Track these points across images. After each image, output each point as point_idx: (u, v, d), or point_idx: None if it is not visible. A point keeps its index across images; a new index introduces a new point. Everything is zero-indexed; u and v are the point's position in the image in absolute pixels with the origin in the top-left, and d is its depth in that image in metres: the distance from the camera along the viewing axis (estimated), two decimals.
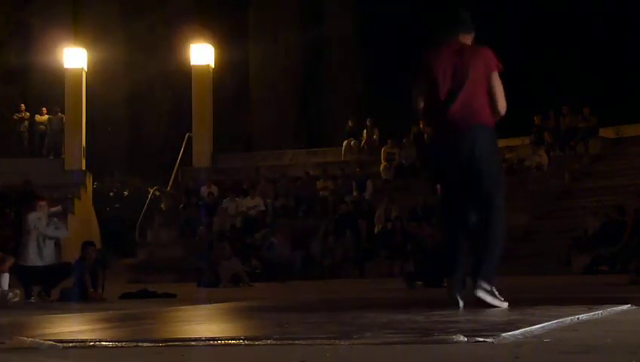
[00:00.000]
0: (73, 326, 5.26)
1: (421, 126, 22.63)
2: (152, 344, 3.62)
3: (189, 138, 25.59)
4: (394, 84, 21.80)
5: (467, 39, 5.73)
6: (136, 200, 26.37)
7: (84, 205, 24.26)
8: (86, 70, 25.62)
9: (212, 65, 25.92)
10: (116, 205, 28.83)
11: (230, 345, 3.54)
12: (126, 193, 29.66)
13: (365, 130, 24.85)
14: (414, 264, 13.76)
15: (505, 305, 5.38)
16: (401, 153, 23.41)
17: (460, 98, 5.52)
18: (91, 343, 3.65)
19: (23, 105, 25.93)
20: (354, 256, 19.75)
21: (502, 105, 5.61)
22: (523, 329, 3.70)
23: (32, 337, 3.72)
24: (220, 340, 3.62)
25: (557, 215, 20.14)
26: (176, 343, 3.67)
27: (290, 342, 3.50)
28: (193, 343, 3.68)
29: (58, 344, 3.58)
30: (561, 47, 28.09)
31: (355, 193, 22.20)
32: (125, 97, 31.80)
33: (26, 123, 25.56)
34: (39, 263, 10.99)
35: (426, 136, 21.92)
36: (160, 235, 22.64)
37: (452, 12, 5.85)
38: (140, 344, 3.60)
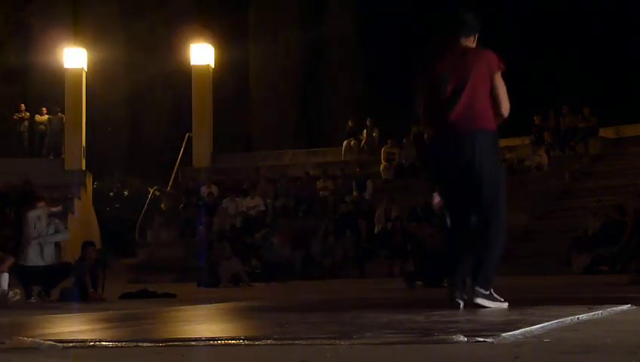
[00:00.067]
0: (73, 326, 5.26)
1: (421, 126, 22.62)
2: (152, 344, 3.62)
3: (189, 138, 25.59)
4: (394, 84, 21.79)
5: (469, 41, 5.68)
6: (136, 200, 26.37)
7: (84, 205, 24.26)
8: (86, 70, 25.62)
9: (212, 65, 25.92)
10: (116, 205, 28.83)
11: (230, 345, 3.54)
12: (126, 193, 29.66)
13: (365, 130, 24.85)
14: (414, 264, 13.77)
15: (505, 305, 5.38)
16: (401, 153, 23.41)
17: (461, 100, 5.49)
18: (91, 343, 3.65)
19: (23, 105, 25.94)
20: (354, 256, 19.75)
21: (505, 106, 5.57)
22: (523, 329, 3.70)
23: (32, 337, 3.72)
24: (220, 340, 3.62)
25: (557, 215, 20.14)
26: (176, 343, 3.67)
27: (290, 342, 3.50)
28: (193, 343, 3.68)
29: (58, 344, 3.58)
30: (561, 47, 28.09)
31: (355, 193, 22.20)
32: (125, 97, 31.81)
33: (26, 123, 25.57)
34: (39, 263, 10.99)
35: (426, 136, 21.92)
36: (160, 235, 22.64)
37: (453, 14, 5.81)
38: (140, 344, 3.60)
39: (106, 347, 3.60)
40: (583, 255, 16.59)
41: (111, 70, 28.99)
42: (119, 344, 3.64)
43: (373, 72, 30.32)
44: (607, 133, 23.23)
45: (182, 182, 24.73)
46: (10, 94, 29.11)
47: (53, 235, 11.19)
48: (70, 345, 3.63)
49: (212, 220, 21.70)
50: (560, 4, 27.67)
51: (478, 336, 3.40)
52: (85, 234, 20.76)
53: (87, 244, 11.54)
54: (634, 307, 5.38)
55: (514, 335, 3.54)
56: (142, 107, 32.40)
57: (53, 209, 11.68)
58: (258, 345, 3.49)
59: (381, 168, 23.38)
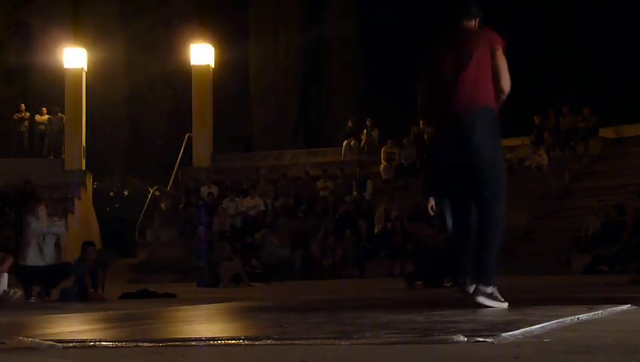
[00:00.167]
0: (73, 326, 5.26)
1: (421, 126, 22.64)
2: (152, 344, 3.62)
3: (189, 138, 25.59)
4: (394, 84, 21.82)
5: (471, 24, 5.76)
6: (136, 200, 26.37)
7: (84, 205, 24.26)
8: (86, 70, 25.63)
9: (212, 65, 25.92)
10: (116, 205, 28.84)
11: (230, 345, 3.54)
12: (126, 193, 29.68)
13: (365, 130, 24.85)
14: (414, 264, 13.75)
15: (505, 305, 5.38)
16: (401, 153, 23.41)
17: (467, 73, 5.51)
18: (91, 343, 3.65)
19: (23, 105, 25.94)
20: (354, 256, 19.74)
21: (506, 82, 5.58)
22: (523, 329, 3.70)
23: (32, 337, 3.72)
24: (220, 340, 3.62)
25: (557, 215, 20.14)
26: (176, 343, 3.67)
27: (290, 342, 3.50)
28: (193, 343, 3.68)
29: (58, 344, 3.58)
30: (561, 47, 28.10)
31: (355, 193, 22.20)
32: (125, 97, 31.81)
33: (26, 123, 25.57)
34: (39, 263, 10.98)
35: (426, 136, 21.93)
36: (160, 235, 22.63)
37: (454, 1, 5.89)
38: (140, 344, 3.60)
39: (106, 347, 3.60)
40: (583, 255, 16.58)
41: (111, 70, 29.01)
42: (119, 344, 3.64)
43: (373, 72, 30.34)
44: (607, 133, 23.23)
45: (182, 182, 24.72)
46: (10, 94, 29.12)
47: (50, 227, 11.17)
48: (70, 345, 3.63)
49: (212, 220, 21.70)
50: (560, 4, 27.68)
51: (478, 336, 3.40)
52: (85, 234, 20.76)
53: (87, 244, 11.54)
54: (634, 307, 5.38)
55: (514, 335, 3.54)
56: (142, 107, 32.40)
57: (57, 222, 11.62)
58: (258, 345, 3.49)
59: (381, 168, 23.37)
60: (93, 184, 26.36)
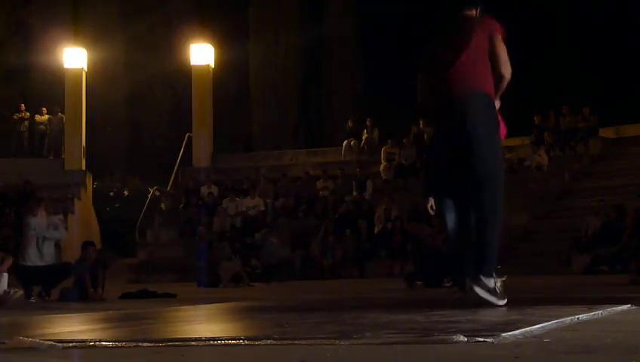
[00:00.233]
0: (73, 326, 5.25)
1: (421, 126, 22.66)
2: (152, 344, 3.62)
3: (189, 138, 25.60)
4: (394, 84, 21.81)
5: (471, 13, 5.77)
6: (136, 200, 26.38)
7: (84, 205, 24.26)
8: (86, 70, 25.64)
9: (212, 65, 25.93)
10: (116, 205, 28.85)
11: (230, 345, 3.54)
12: (126, 193, 29.69)
13: (365, 130, 24.85)
14: (414, 264, 13.75)
15: (500, 302, 5.34)
16: (401, 153, 23.41)
17: (459, 61, 5.51)
18: (91, 343, 3.65)
19: (23, 105, 25.95)
20: (354, 256, 19.74)
21: (506, 68, 5.55)
22: (523, 329, 3.70)
23: (32, 337, 3.71)
24: (220, 340, 3.61)
25: (557, 215, 20.14)
26: (176, 343, 3.67)
27: (290, 342, 3.50)
28: (193, 343, 3.68)
29: (58, 344, 3.58)
30: (561, 47, 28.10)
31: (355, 193, 22.20)
32: (125, 97, 31.82)
33: (26, 123, 25.58)
34: (39, 263, 10.99)
35: (426, 136, 21.93)
36: (160, 235, 22.64)
37: None
38: (140, 344, 3.60)
39: (106, 347, 3.60)
40: (583, 255, 16.58)
41: (111, 70, 29.01)
42: (119, 344, 3.63)
43: (373, 72, 30.35)
44: (607, 133, 23.23)
45: (182, 182, 24.73)
46: (10, 94, 29.13)
47: (51, 231, 11.18)
48: (70, 345, 3.63)
49: (212, 220, 21.70)
50: (560, 5, 27.67)
51: (478, 336, 3.40)
52: (85, 234, 20.77)
53: (87, 244, 11.54)
54: (634, 307, 5.38)
55: (514, 335, 3.54)
56: (142, 107, 32.41)
57: (58, 221, 11.63)
58: (258, 345, 3.49)
59: (381, 168, 23.38)
60: (93, 184, 26.36)
